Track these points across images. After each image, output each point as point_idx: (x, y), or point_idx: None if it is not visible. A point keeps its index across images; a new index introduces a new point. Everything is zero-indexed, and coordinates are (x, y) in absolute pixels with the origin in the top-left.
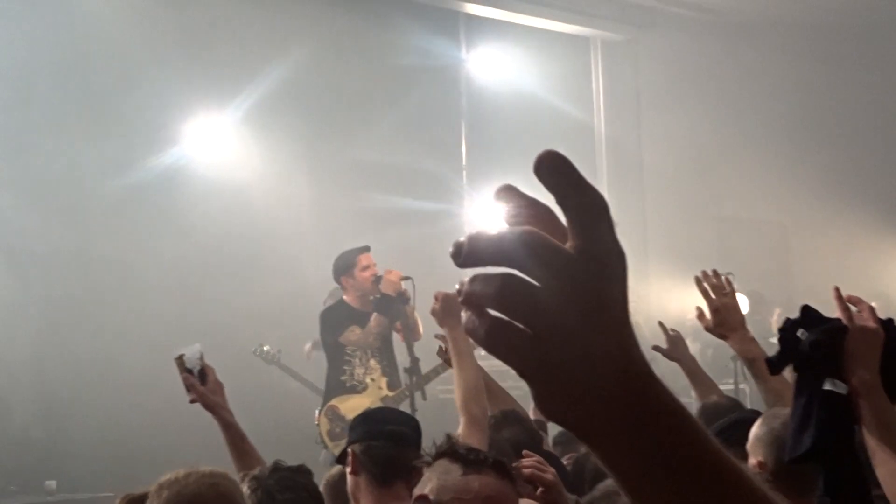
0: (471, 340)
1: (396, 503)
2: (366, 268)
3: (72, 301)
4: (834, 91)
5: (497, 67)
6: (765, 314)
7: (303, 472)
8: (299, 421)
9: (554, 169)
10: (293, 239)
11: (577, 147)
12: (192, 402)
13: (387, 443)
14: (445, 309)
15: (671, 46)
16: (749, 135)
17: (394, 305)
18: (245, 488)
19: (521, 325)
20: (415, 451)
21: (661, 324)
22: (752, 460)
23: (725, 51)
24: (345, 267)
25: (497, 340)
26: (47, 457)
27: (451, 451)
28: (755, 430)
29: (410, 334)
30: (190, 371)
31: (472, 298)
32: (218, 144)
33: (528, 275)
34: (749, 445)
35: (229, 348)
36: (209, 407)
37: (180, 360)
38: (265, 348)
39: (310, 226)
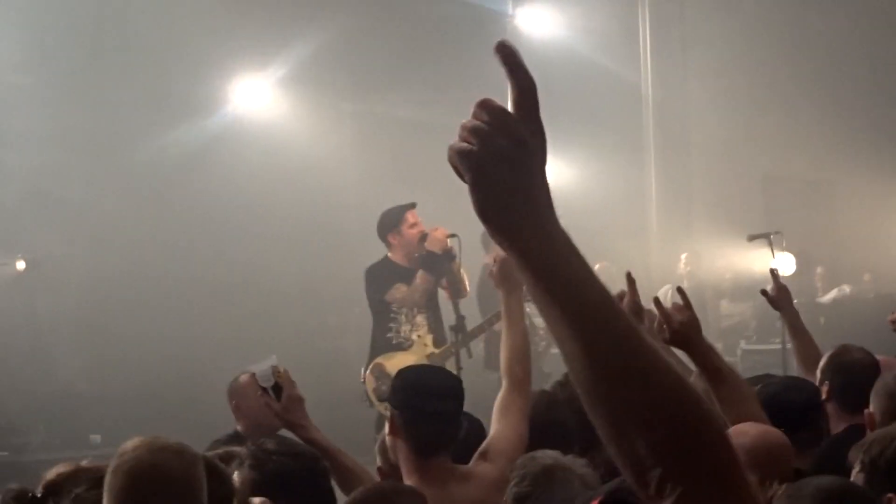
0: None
1: (436, 474)
2: (413, 225)
3: (117, 257)
4: (882, 47)
5: (544, 24)
6: (810, 273)
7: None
8: (347, 379)
9: (506, 57)
10: (337, 196)
11: (624, 104)
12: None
13: (428, 423)
14: (503, 271)
15: (718, 3)
16: (797, 92)
17: (440, 263)
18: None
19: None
20: (457, 426)
21: (772, 271)
22: (867, 413)
23: (773, 7)
24: (391, 224)
25: (466, 158)
26: (91, 411)
27: None
28: (875, 385)
29: (456, 292)
30: (265, 389)
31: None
32: (262, 102)
33: (493, 127)
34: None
35: (275, 303)
36: (286, 426)
37: (254, 379)
38: None
39: (354, 182)
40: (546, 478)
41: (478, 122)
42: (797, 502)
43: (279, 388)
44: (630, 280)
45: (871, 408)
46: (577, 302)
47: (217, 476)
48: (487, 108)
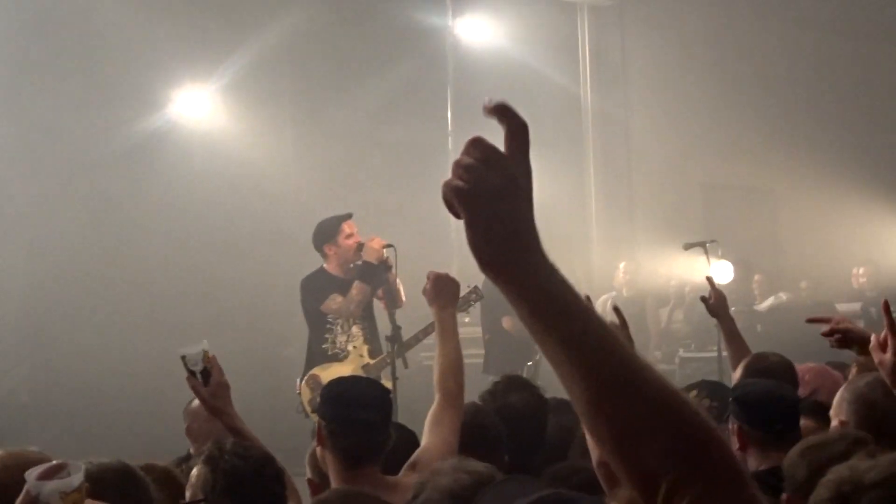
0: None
1: (362, 484)
2: (349, 235)
3: (55, 265)
4: (821, 56)
5: (484, 34)
6: (748, 281)
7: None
8: (286, 390)
9: (496, 110)
10: (277, 205)
11: (564, 113)
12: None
13: (354, 432)
14: (436, 288)
15: (658, 12)
16: (736, 101)
17: (376, 273)
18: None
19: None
20: (384, 435)
21: (709, 278)
22: (835, 422)
23: (712, 16)
24: (328, 235)
25: (462, 195)
26: (31, 422)
27: None
28: (841, 393)
29: (392, 302)
30: (193, 372)
31: (457, 171)
32: (204, 111)
33: (486, 165)
34: (834, 409)
35: (215, 313)
36: (211, 412)
37: (183, 361)
38: None
39: (295, 191)
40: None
41: (470, 160)
42: None
43: (208, 373)
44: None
45: (843, 417)
46: (571, 329)
47: (135, 484)
48: (479, 146)
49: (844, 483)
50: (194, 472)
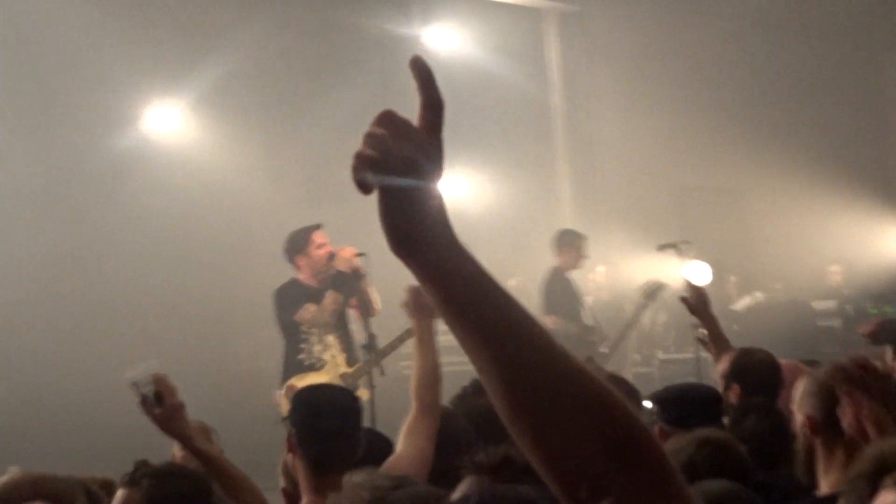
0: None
1: (331, 492)
2: (320, 245)
3: (26, 289)
4: (786, 57)
5: (451, 42)
6: (724, 282)
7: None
8: (261, 401)
9: (420, 71)
10: (249, 217)
11: (533, 119)
12: None
13: (322, 440)
14: (416, 301)
15: (623, 16)
16: (704, 103)
17: (348, 282)
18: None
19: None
20: (353, 443)
21: (686, 279)
22: (800, 417)
23: (677, 19)
24: (299, 245)
25: (374, 166)
26: (12, 442)
27: None
28: (801, 387)
29: (366, 310)
30: (144, 397)
31: (370, 142)
32: (173, 126)
33: (397, 137)
34: (797, 404)
35: (189, 326)
36: (171, 436)
37: (135, 387)
38: None
39: (266, 203)
40: None
41: (382, 131)
42: None
43: (160, 395)
44: None
45: (807, 411)
46: (490, 316)
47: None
48: (391, 118)
49: (889, 455)
50: (119, 493)
